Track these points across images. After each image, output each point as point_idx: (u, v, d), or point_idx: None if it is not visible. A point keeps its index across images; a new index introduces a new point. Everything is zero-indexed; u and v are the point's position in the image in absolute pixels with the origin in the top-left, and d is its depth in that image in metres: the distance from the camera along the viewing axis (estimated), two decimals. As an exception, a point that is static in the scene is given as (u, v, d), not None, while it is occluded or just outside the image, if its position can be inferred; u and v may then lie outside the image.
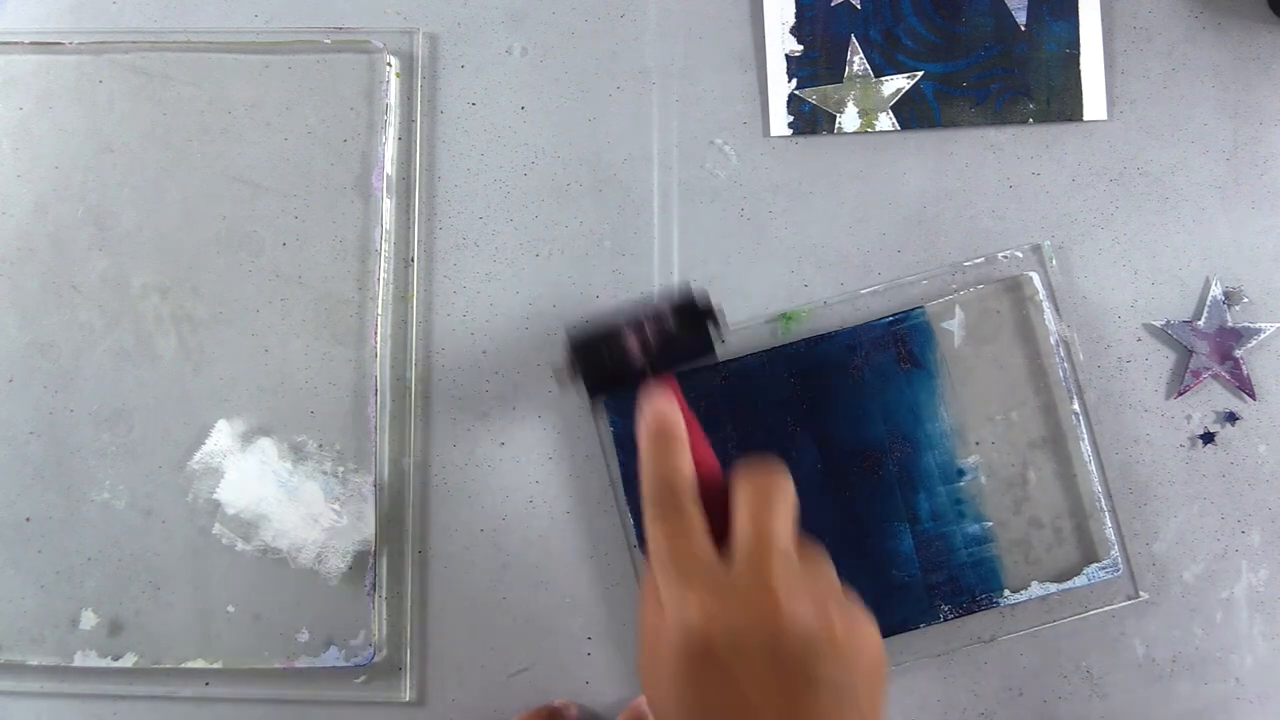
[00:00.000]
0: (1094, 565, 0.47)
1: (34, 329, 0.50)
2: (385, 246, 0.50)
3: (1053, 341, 0.48)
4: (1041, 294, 0.48)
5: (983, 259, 0.49)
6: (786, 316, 0.49)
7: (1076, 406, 0.48)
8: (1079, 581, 0.47)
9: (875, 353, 0.48)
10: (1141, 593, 0.48)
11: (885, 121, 0.50)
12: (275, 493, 0.49)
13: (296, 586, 0.49)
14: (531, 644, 0.49)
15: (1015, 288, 0.49)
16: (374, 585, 0.48)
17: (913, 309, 0.48)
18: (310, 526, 0.49)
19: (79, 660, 0.49)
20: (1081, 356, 0.48)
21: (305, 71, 0.51)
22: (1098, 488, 0.48)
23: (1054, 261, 0.49)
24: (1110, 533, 0.47)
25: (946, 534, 0.48)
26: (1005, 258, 0.49)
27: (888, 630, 0.47)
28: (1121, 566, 0.47)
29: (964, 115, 0.50)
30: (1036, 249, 0.49)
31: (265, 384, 0.50)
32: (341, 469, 0.49)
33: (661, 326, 0.41)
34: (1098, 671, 0.48)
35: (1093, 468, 0.48)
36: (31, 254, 0.51)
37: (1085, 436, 0.48)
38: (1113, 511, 0.48)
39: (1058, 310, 0.49)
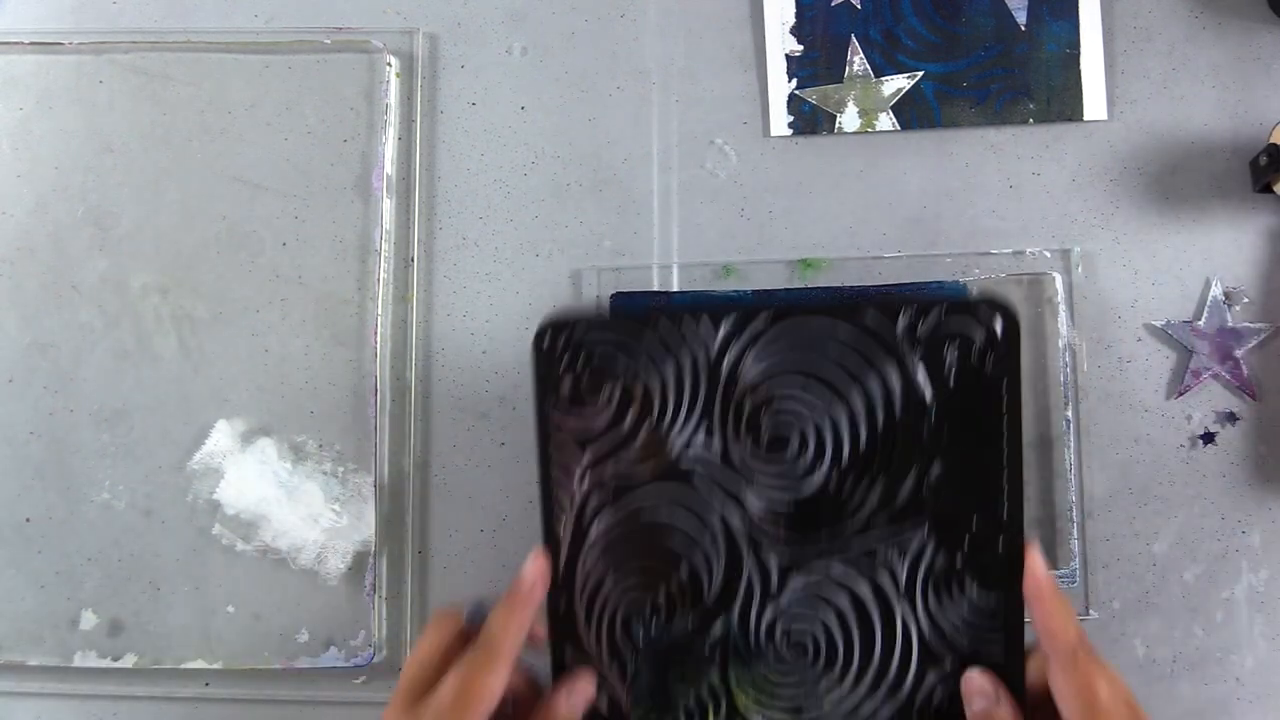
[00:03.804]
0: (1053, 574, 0.47)
1: (34, 329, 0.50)
2: (385, 246, 0.50)
3: (1061, 345, 0.48)
4: (1060, 296, 0.48)
5: (1010, 251, 0.49)
6: (806, 263, 0.49)
7: (1069, 413, 0.48)
8: None
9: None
10: (1092, 612, 0.47)
11: (885, 121, 0.50)
12: (275, 493, 0.49)
13: (296, 586, 0.49)
14: (531, 644, 0.49)
15: (1035, 286, 0.49)
16: (374, 585, 0.48)
17: (949, 280, 0.48)
18: (310, 526, 0.49)
19: (79, 660, 0.49)
20: (1086, 366, 0.48)
21: (305, 71, 0.51)
22: (1072, 498, 0.47)
23: (1080, 269, 0.49)
24: (1075, 545, 0.47)
25: None
26: (1033, 254, 0.49)
27: None
28: (1078, 580, 0.47)
29: (964, 115, 0.50)
30: (1065, 253, 0.49)
31: (265, 384, 0.50)
32: (341, 469, 0.49)
33: None
34: (1098, 671, 0.48)
35: (1072, 478, 0.47)
36: (32, 254, 0.51)
37: (1071, 445, 0.48)
38: (1080, 524, 0.47)
39: (1073, 317, 0.48)
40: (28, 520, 0.50)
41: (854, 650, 0.39)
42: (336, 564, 0.49)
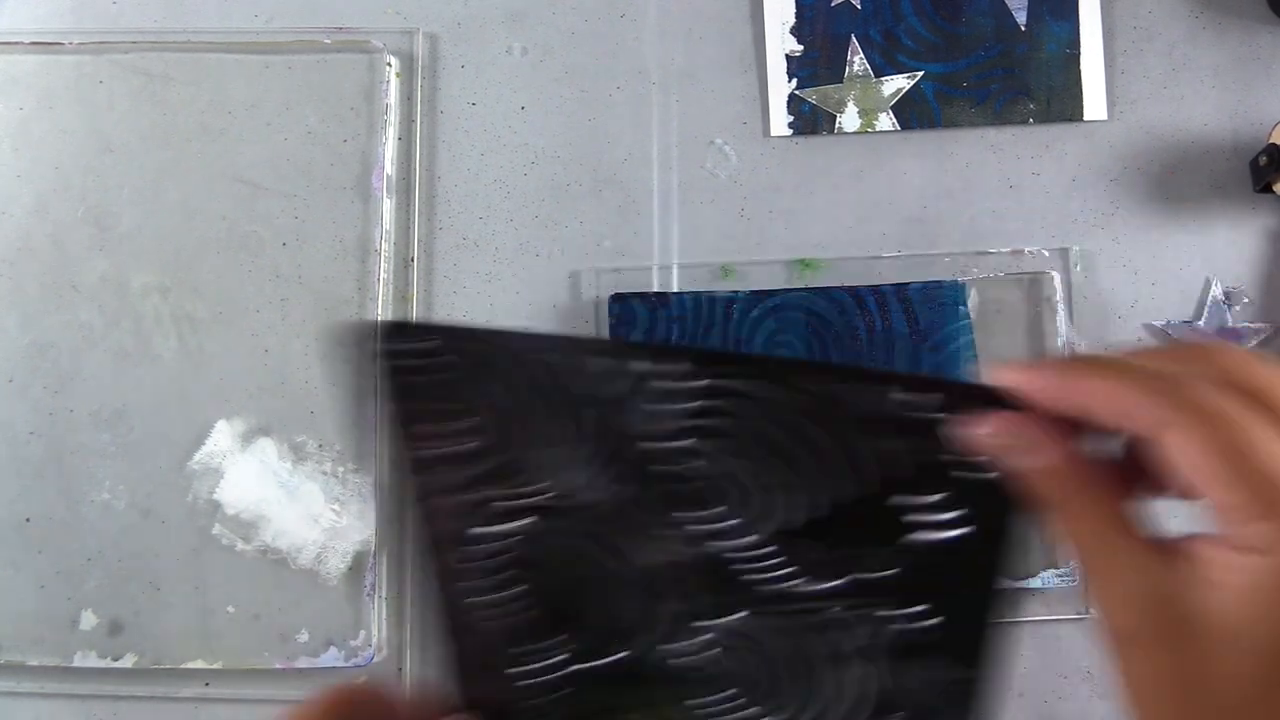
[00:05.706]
0: (1051, 571, 0.47)
1: (34, 329, 0.50)
2: (385, 246, 0.50)
3: (1059, 344, 0.48)
4: (1059, 295, 0.48)
5: (1009, 250, 0.49)
6: (805, 263, 0.49)
7: None
8: (1032, 583, 0.47)
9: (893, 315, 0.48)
10: (1092, 611, 0.47)
11: (885, 121, 0.50)
12: (275, 493, 0.49)
13: (296, 586, 0.49)
14: (531, 644, 0.49)
15: (1034, 284, 0.49)
16: (374, 585, 0.48)
17: (948, 280, 0.48)
18: (310, 527, 0.49)
19: (79, 660, 0.48)
20: (1083, 362, 0.49)
21: (305, 71, 0.51)
22: None
23: (1079, 267, 0.49)
24: None
25: None
26: (1031, 253, 0.49)
27: None
28: (1078, 579, 0.47)
29: (964, 115, 0.50)
30: (1064, 252, 0.49)
31: (265, 384, 0.50)
32: (341, 469, 0.49)
33: None
34: (1098, 671, 0.48)
35: None
36: (32, 254, 0.51)
37: None
38: None
39: (1072, 316, 0.48)
40: (28, 520, 0.49)
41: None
42: (337, 564, 0.49)
